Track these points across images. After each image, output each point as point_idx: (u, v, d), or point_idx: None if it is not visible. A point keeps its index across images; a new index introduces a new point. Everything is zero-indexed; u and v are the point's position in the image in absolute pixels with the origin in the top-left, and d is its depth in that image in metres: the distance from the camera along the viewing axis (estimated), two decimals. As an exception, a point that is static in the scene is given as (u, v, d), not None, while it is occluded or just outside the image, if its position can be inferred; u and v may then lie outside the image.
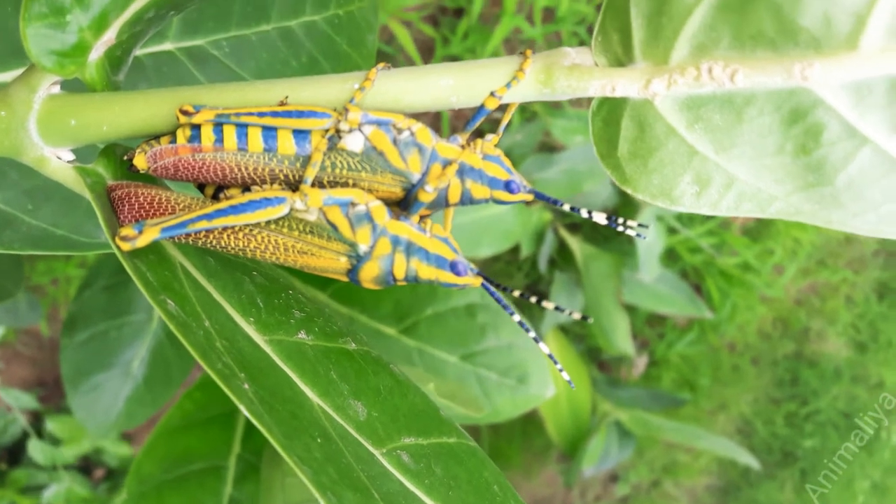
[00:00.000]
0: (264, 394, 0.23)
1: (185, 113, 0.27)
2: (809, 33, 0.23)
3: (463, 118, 1.51)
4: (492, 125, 1.37)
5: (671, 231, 1.77)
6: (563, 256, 1.55)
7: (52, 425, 1.48)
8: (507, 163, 0.29)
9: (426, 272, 0.28)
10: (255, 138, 0.27)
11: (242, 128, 0.27)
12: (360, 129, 0.27)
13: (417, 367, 0.72)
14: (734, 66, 0.24)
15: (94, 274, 0.90)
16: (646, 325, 2.00)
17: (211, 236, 0.28)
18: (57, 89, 0.28)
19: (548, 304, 0.30)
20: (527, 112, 1.56)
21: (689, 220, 1.81)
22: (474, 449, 0.30)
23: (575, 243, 1.50)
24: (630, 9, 0.25)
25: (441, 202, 0.28)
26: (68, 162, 0.28)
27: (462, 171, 0.28)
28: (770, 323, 2.14)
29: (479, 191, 0.28)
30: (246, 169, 0.27)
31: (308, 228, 0.27)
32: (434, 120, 1.54)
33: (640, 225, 0.28)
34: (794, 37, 0.23)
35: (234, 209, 0.26)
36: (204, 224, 0.26)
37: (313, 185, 0.27)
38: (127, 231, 0.25)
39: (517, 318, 0.29)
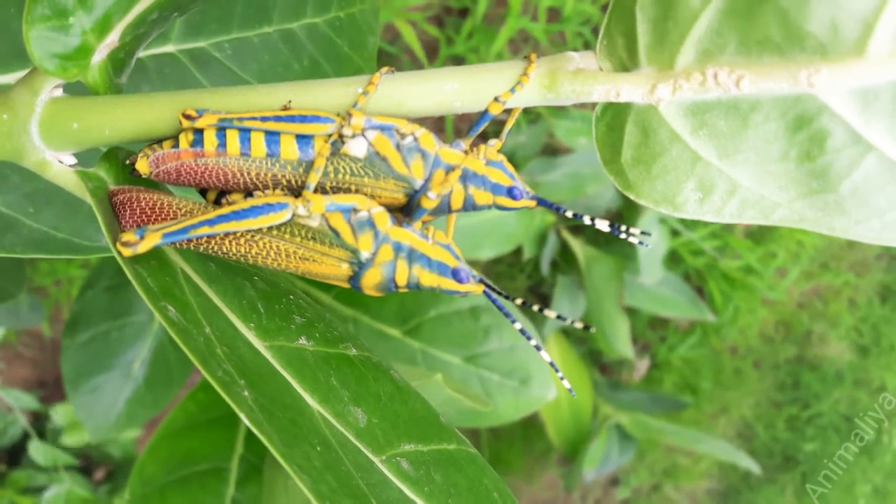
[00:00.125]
0: (264, 401, 0.23)
1: (187, 117, 0.27)
2: (816, 39, 0.23)
3: (467, 120, 1.51)
4: (496, 127, 1.37)
5: (674, 233, 1.77)
6: (565, 259, 1.55)
7: (56, 414, 1.49)
8: (510, 168, 0.28)
9: (428, 279, 0.28)
10: (258, 143, 0.27)
11: (245, 132, 0.27)
12: (363, 135, 0.27)
13: (421, 368, 0.72)
14: (740, 71, 0.24)
15: (96, 275, 0.90)
16: (648, 328, 2.00)
17: (213, 242, 0.27)
18: (59, 92, 0.28)
19: (549, 313, 0.30)
20: (531, 114, 1.55)
21: (692, 222, 1.80)
22: (474, 455, 0.30)
23: (577, 246, 1.50)
24: (636, 13, 0.25)
25: (444, 208, 0.28)
26: (70, 166, 0.28)
27: (465, 177, 0.28)
28: (772, 326, 2.13)
29: (482, 197, 0.28)
30: (248, 174, 0.27)
31: (310, 234, 0.27)
32: (438, 123, 1.54)
33: (642, 233, 0.28)
34: (801, 42, 0.23)
35: (237, 215, 0.26)
36: (206, 230, 0.26)
37: (315, 190, 0.27)
38: (128, 236, 0.25)
39: (519, 325, 0.29)
